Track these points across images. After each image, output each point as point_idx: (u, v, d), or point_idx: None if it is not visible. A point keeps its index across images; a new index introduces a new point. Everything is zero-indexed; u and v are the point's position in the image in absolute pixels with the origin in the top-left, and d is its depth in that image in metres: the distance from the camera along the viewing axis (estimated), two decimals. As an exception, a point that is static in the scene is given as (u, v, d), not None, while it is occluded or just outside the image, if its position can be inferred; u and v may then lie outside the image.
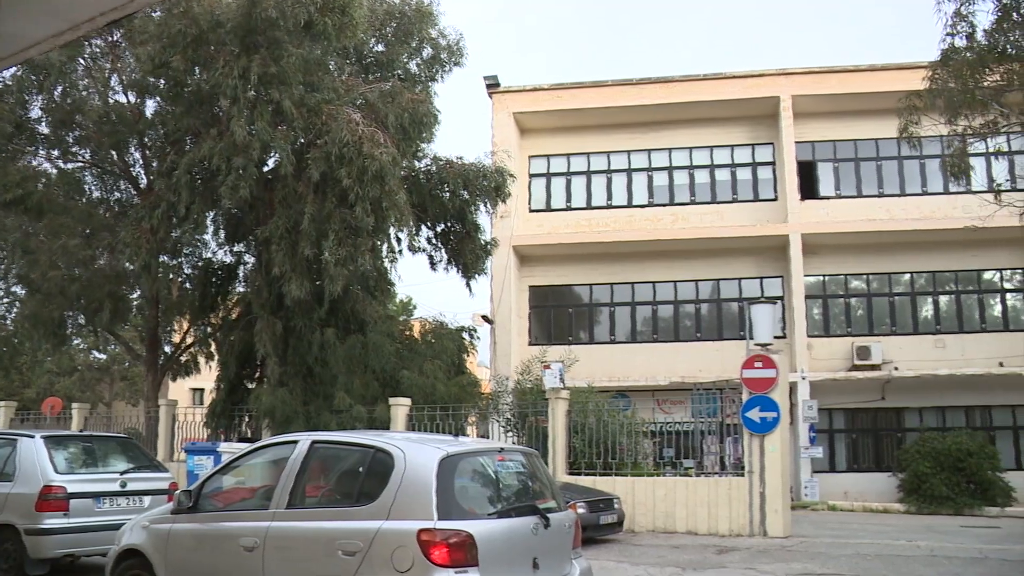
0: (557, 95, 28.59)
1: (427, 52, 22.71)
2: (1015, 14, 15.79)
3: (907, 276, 27.57)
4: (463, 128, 74.35)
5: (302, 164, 18.15)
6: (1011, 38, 16.00)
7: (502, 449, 7.26)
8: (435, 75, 22.78)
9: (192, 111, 19.53)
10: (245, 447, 8.58)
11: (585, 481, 16.92)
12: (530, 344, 27.31)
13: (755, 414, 16.11)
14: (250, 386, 21.81)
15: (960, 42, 16.35)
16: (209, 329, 24.22)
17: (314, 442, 7.20)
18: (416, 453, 6.48)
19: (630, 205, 28.58)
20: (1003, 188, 19.39)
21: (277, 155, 18.43)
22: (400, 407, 18.85)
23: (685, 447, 18.52)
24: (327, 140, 17.70)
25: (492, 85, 28.73)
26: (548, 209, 28.97)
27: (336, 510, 6.69)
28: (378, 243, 20.57)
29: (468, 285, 22.22)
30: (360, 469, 6.83)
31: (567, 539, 7.13)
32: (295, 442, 7.28)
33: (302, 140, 18.98)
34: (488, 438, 19.84)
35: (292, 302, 18.50)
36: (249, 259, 22.78)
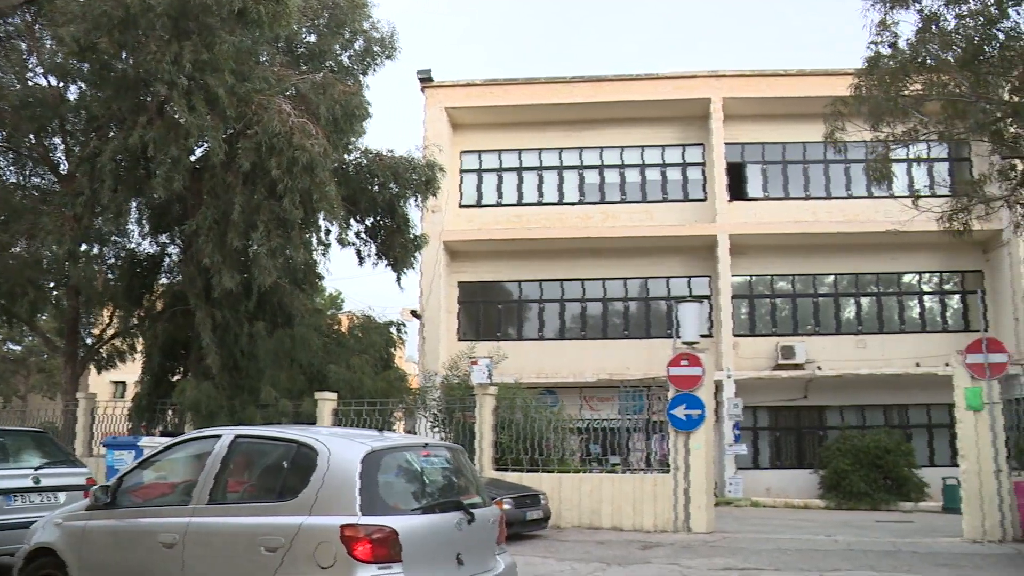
0: (490, 91, 28.60)
1: (360, 44, 22.48)
2: (935, 26, 16.18)
3: (831, 278, 28.15)
4: (396, 122, 73.98)
5: (232, 154, 17.84)
6: (931, 49, 16.40)
7: (427, 445, 7.22)
8: (367, 67, 22.56)
9: (120, 96, 18.94)
10: (167, 441, 8.39)
11: (512, 477, 16.94)
12: (459, 340, 27.30)
13: (681, 412, 16.27)
14: (175, 379, 21.40)
15: (884, 51, 16.69)
16: (134, 321, 23.68)
17: (237, 436, 7.07)
18: (340, 448, 6.40)
19: (561, 202, 28.68)
20: (922, 194, 19.87)
21: (207, 144, 18.07)
22: (326, 402, 18.65)
23: (612, 444, 18.65)
24: (258, 130, 17.42)
25: (425, 79, 28.58)
26: (479, 205, 28.96)
27: (258, 505, 6.57)
28: (308, 236, 20.35)
29: (398, 280, 22.10)
30: (283, 464, 6.73)
31: (491, 535, 7.11)
32: (217, 436, 7.13)
33: (231, 130, 18.65)
34: (415, 433, 19.76)
35: (220, 294, 18.19)
36: (174, 250, 22.35)
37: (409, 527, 6.13)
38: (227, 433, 7.14)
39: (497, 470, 17.46)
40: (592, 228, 27.64)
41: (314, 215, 18.52)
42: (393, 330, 22.92)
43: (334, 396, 18.87)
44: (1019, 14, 15.72)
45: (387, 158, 20.96)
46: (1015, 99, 16.33)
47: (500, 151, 29.19)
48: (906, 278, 28.20)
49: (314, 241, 21.23)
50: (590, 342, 27.77)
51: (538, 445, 17.72)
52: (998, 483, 14.51)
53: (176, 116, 17.22)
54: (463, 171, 29.16)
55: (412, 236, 21.91)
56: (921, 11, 16.28)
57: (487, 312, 28.87)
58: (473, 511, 6.74)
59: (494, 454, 17.82)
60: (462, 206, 28.82)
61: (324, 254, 21.80)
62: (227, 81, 17.48)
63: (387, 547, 5.93)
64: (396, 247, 21.51)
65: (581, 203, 28.63)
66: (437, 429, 19.71)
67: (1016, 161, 17.81)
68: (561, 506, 16.72)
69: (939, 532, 16.23)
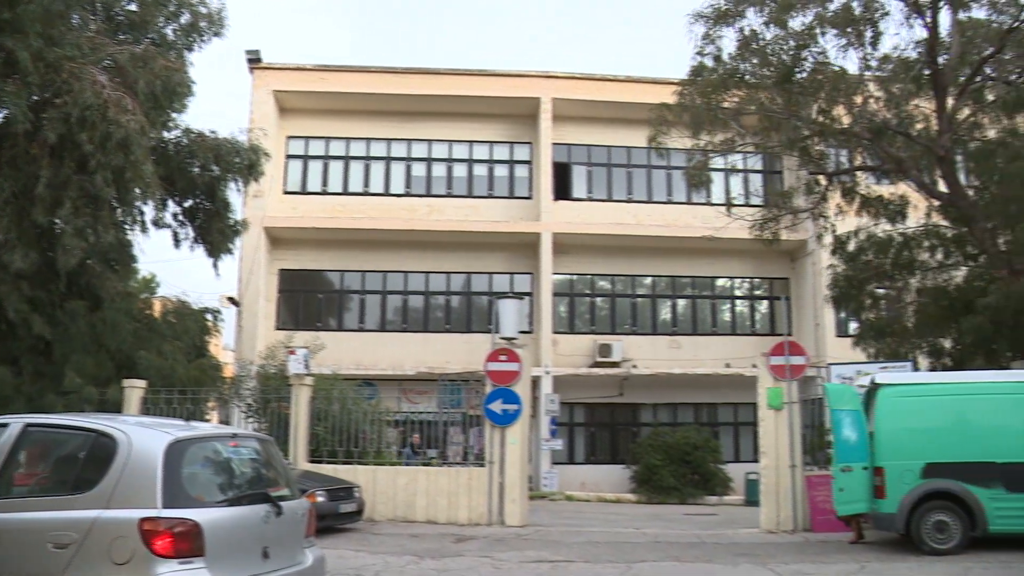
0: (321, 76, 28.04)
1: (186, 18, 21.45)
2: (753, 44, 16.94)
3: (649, 279, 29.07)
4: (222, 104, 71.72)
5: (37, 124, 16.74)
6: (750, 66, 17.17)
7: (235, 435, 6.99)
8: (193, 43, 21.52)
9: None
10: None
11: (327, 469, 16.66)
12: (277, 329, 26.61)
13: (498, 406, 16.40)
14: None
15: (708, 63, 17.37)
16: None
17: (27, 425, 6.60)
18: (142, 437, 6.11)
19: (387, 194, 28.44)
20: (736, 203, 20.77)
21: (8, 111, 16.89)
22: (135, 389, 17.83)
23: (430, 437, 18.63)
24: (68, 100, 16.36)
25: (254, 60, 27.74)
26: (304, 192, 28.34)
27: (50, 499, 6.16)
28: (120, 215, 19.37)
29: (214, 265, 21.19)
30: (80, 455, 6.33)
31: (300, 528, 6.95)
32: (5, 425, 6.63)
33: (36, 97, 17.48)
34: (229, 424, 19.18)
35: (19, 272, 17.05)
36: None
37: (213, 520, 5.92)
38: (16, 422, 6.64)
39: (312, 462, 17.14)
40: (417, 221, 27.50)
41: (128, 194, 17.61)
42: (209, 317, 22.21)
43: (143, 384, 18.07)
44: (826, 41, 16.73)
45: (210, 139, 20.16)
46: (822, 119, 17.29)
47: (328, 138, 28.67)
48: (720, 282, 29.44)
49: (128, 221, 20.24)
50: (411, 335, 27.65)
51: (354, 437, 17.51)
52: (793, 478, 15.35)
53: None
54: (289, 157, 28.47)
55: (232, 221, 21.13)
56: (741, 30, 17.04)
57: (308, 301, 28.32)
58: (281, 503, 6.57)
59: (309, 446, 17.48)
60: (286, 192, 28.13)
61: (144, 231, 20.80)
62: (32, 44, 16.36)
63: (189, 541, 5.70)
64: (214, 231, 20.68)
65: (407, 195, 28.47)
66: (251, 419, 19.20)
67: (820, 177, 18.86)
68: (376, 499, 16.56)
69: (740, 524, 17.00)
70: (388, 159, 28.76)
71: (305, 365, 19.01)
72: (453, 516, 16.38)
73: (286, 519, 6.60)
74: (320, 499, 13.98)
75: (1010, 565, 10.95)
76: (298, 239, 27.61)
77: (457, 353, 25.57)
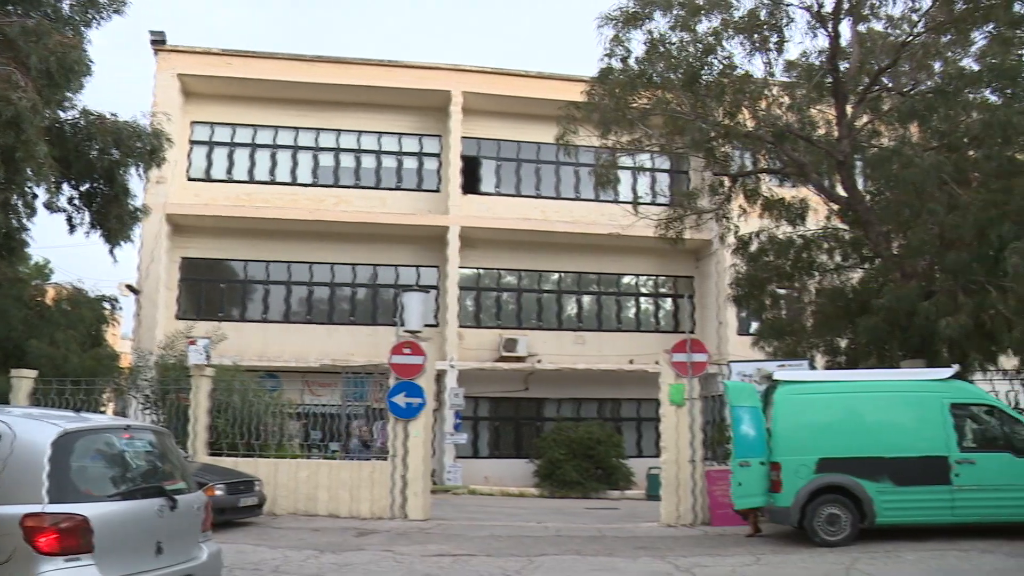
0: (227, 61, 27.38)
1: (82, -10, 20.77)
2: (661, 47, 17.16)
3: (556, 275, 29.24)
4: (124, 85, 69.67)
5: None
6: (658, 68, 17.37)
7: (129, 427, 6.78)
8: (91, 19, 20.82)
9: None
10: None
11: (227, 462, 16.33)
12: (178, 318, 25.92)
13: (401, 399, 16.30)
14: None
15: (616, 64, 17.51)
16: None
17: None
18: (27, 429, 5.86)
19: (294, 183, 27.99)
20: (643, 202, 21.00)
21: None
22: (24, 380, 17.22)
23: (333, 430, 18.41)
24: (-49, 74, 15.71)
25: (158, 41, 26.95)
26: (208, 179, 27.68)
27: None
28: (12, 197, 18.65)
29: (111, 252, 20.55)
30: (-42, 449, 6.05)
31: (196, 522, 6.77)
32: None
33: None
34: (126, 416, 18.65)
35: None
36: None
37: (103, 515, 5.71)
38: None
39: (211, 455, 16.80)
40: (324, 211, 27.13)
41: (19, 175, 16.93)
42: (106, 305, 21.54)
43: (33, 374, 17.49)
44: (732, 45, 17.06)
45: (109, 122, 19.51)
46: (727, 122, 17.59)
47: (234, 125, 28.04)
48: (625, 280, 29.78)
49: (21, 204, 19.50)
50: (316, 326, 27.30)
51: (256, 430, 17.20)
52: (693, 472, 15.62)
53: None
54: (193, 142, 27.77)
55: (132, 207, 20.48)
56: (649, 32, 17.23)
57: (210, 291, 27.71)
58: (177, 497, 6.39)
59: (209, 438, 17.12)
60: (190, 179, 27.44)
61: (29, 218, 20.05)
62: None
63: (76, 537, 5.49)
64: (112, 217, 20.03)
65: (314, 185, 28.06)
66: (149, 411, 18.71)
67: (725, 178, 19.19)
68: (277, 492, 16.30)
69: (641, 518, 17.22)
70: (296, 148, 28.31)
71: (206, 355, 18.59)
72: (355, 510, 16.22)
73: (181, 513, 6.42)
74: (219, 492, 13.68)
75: (893, 554, 11.31)
76: (201, 227, 26.93)
77: (362, 346, 25.35)
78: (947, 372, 13.41)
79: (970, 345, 15.10)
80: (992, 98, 16.47)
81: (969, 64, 17.23)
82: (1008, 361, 16.66)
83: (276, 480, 16.38)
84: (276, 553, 11.69)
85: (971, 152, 16.40)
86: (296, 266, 27.66)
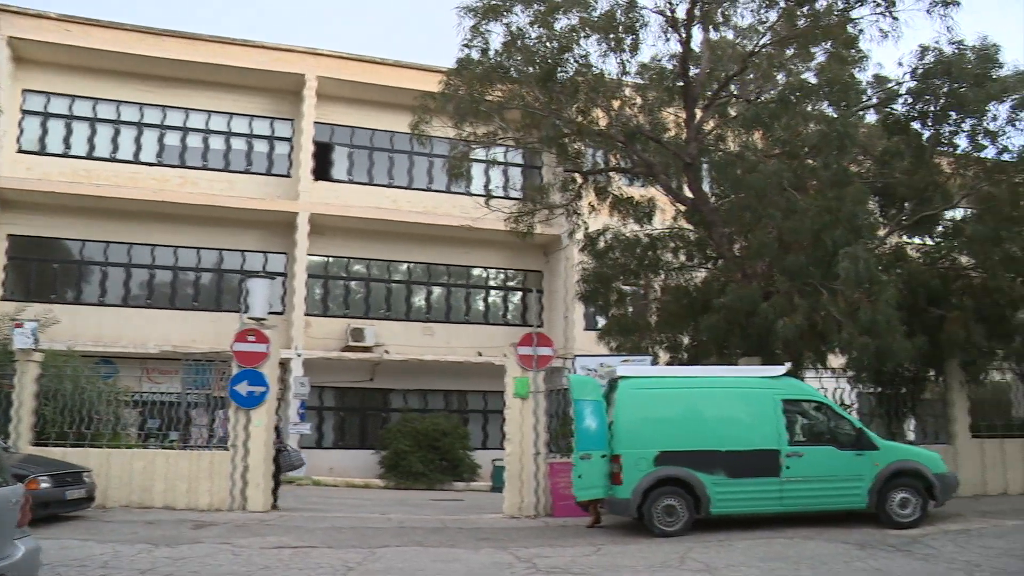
0: (66, 28, 25.93)
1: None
2: (519, 42, 17.32)
3: (406, 265, 29.16)
4: (-50, 49, 65.35)
5: None
6: (515, 63, 17.53)
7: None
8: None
9: None
10: None
11: (55, 453, 15.56)
12: (4, 299, 24.54)
13: (243, 388, 15.95)
14: None
15: (475, 55, 17.56)
16: None
17: None
18: None
19: (137, 161, 26.91)
20: (495, 195, 21.15)
21: None
22: None
23: (173, 419, 17.82)
24: None
25: (-12, 3, 25.42)
26: (42, 152, 26.27)
27: None
28: None
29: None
30: None
31: (11, 517, 6.37)
32: None
33: None
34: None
35: None
36: None
37: None
38: None
39: (38, 445, 15.95)
40: (168, 192, 26.17)
41: None
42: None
43: None
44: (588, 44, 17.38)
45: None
46: (580, 119, 17.90)
47: (73, 96, 26.70)
48: (475, 272, 29.95)
49: None
50: (156, 311, 26.37)
51: (87, 418, 16.49)
52: (536, 464, 15.84)
53: None
54: (25, 112, 26.24)
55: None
56: (508, 26, 17.36)
57: (41, 271, 26.32)
58: (-11, 491, 6.05)
59: (35, 427, 16.28)
60: (20, 151, 25.93)
61: None
62: None
63: None
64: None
65: (159, 164, 27.06)
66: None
67: (576, 175, 19.54)
68: (109, 484, 15.65)
69: (485, 509, 17.40)
70: (140, 125, 27.21)
71: (33, 339, 17.62)
72: (193, 501, 15.76)
73: (-6, 508, 6.08)
74: (43, 485, 13.08)
75: (726, 543, 11.78)
76: (33, 203, 25.49)
77: (205, 332, 24.65)
78: (780, 370, 14.07)
79: (804, 345, 15.86)
80: (829, 111, 17.35)
81: (809, 77, 18.12)
82: (836, 360, 17.60)
83: (109, 471, 15.73)
84: (106, 548, 11.24)
85: (809, 160, 17.18)
86: (137, 248, 26.60)
